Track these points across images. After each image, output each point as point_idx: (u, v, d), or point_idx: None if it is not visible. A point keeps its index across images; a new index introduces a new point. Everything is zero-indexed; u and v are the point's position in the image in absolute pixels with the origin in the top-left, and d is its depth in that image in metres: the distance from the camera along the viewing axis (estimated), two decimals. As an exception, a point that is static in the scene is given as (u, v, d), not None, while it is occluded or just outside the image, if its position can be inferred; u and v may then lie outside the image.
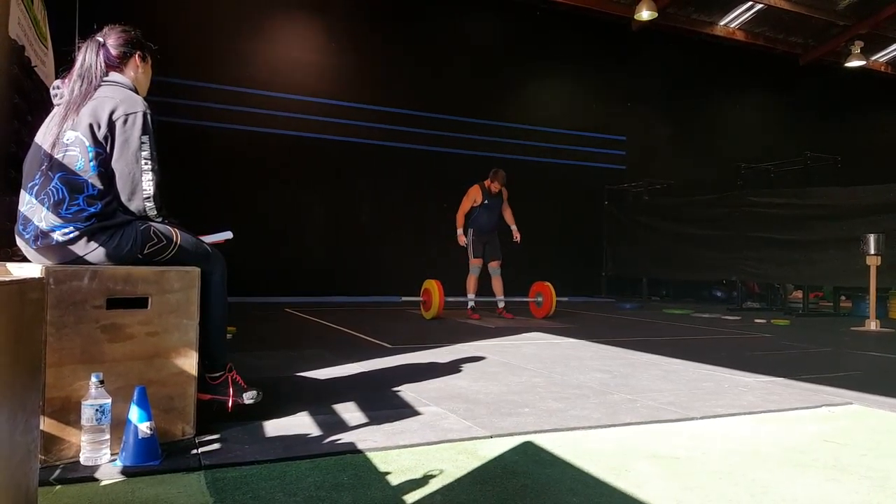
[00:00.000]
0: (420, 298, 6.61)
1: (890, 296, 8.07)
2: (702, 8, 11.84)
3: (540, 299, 6.78)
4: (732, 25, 12.38)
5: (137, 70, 2.15)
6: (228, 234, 2.39)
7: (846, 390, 3.01)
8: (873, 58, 13.94)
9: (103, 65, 2.04)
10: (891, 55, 14.11)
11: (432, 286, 6.31)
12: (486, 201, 6.64)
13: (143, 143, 1.97)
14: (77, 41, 2.05)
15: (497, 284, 6.73)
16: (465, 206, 6.70)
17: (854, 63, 12.70)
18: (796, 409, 2.61)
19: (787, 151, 10.98)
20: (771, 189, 9.41)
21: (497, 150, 10.52)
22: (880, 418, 2.51)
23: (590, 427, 2.24)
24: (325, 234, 9.44)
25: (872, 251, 6.38)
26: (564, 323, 6.25)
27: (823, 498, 1.61)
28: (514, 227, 6.79)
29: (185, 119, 8.45)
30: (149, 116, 2.00)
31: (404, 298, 6.93)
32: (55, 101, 2.04)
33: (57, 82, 2.05)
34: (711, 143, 12.65)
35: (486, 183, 6.66)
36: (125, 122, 1.96)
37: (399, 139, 9.88)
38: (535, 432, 2.15)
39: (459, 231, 6.66)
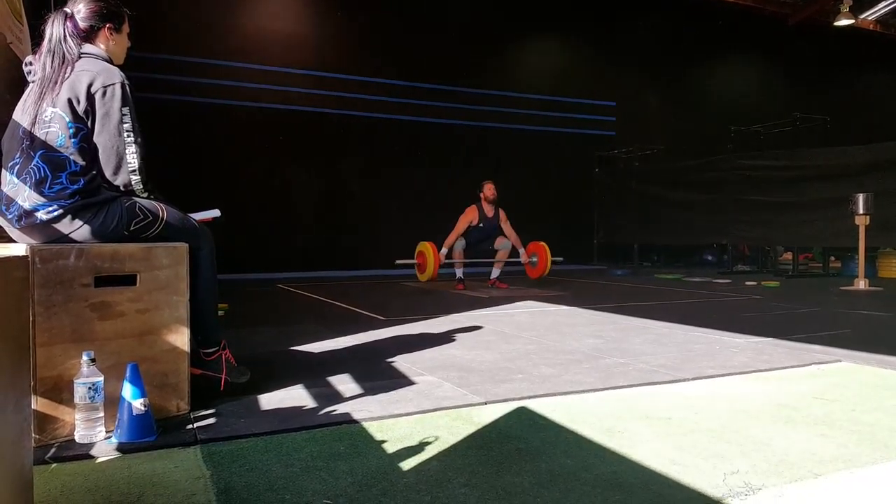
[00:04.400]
0: (414, 261, 6.57)
1: (879, 255, 8.15)
2: (690, -32, 11.67)
3: (535, 259, 6.77)
4: (721, -14, 12.21)
5: (109, 42, 2.07)
6: (216, 213, 2.36)
7: (835, 348, 3.04)
8: (862, 16, 13.81)
9: (75, 37, 1.98)
10: (879, 13, 13.99)
11: (426, 249, 6.28)
12: (480, 224, 6.53)
13: (123, 114, 1.93)
14: (49, 13, 1.99)
15: (501, 256, 6.68)
16: (461, 226, 6.49)
17: (843, 22, 12.57)
18: (786, 367, 2.65)
19: (777, 113, 10.94)
20: (760, 151, 9.40)
21: (485, 118, 10.43)
22: (868, 374, 2.55)
23: (583, 391, 2.26)
24: (317, 208, 9.39)
25: (861, 211, 6.40)
26: (557, 291, 6.28)
27: (814, 452, 1.63)
28: (521, 250, 6.68)
29: (169, 95, 8.29)
30: (127, 87, 1.94)
31: (399, 261, 6.85)
32: (29, 78, 1.99)
33: (29, 58, 1.99)
34: (701, 106, 12.59)
35: (482, 200, 6.52)
36: (104, 94, 1.91)
37: (387, 110, 9.76)
38: (530, 398, 2.17)
39: (444, 251, 6.43)
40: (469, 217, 6.52)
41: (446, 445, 1.70)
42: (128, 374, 1.72)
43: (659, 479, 1.47)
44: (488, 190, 6.52)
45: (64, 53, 1.93)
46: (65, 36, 1.95)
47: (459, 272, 6.65)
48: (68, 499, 1.38)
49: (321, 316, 4.51)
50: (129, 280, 1.90)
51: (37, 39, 2.01)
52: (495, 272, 6.76)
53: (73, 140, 1.89)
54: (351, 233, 9.45)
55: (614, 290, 6.59)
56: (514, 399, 2.15)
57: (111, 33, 2.07)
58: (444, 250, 6.43)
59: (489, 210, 6.56)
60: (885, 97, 15.04)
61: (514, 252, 6.76)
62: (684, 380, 2.43)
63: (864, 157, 7.37)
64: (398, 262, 6.80)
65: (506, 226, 6.65)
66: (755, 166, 8.56)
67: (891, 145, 7.13)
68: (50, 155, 1.87)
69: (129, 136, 1.94)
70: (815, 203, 7.71)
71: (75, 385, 1.70)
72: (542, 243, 6.71)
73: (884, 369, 2.62)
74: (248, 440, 1.74)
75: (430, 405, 2.06)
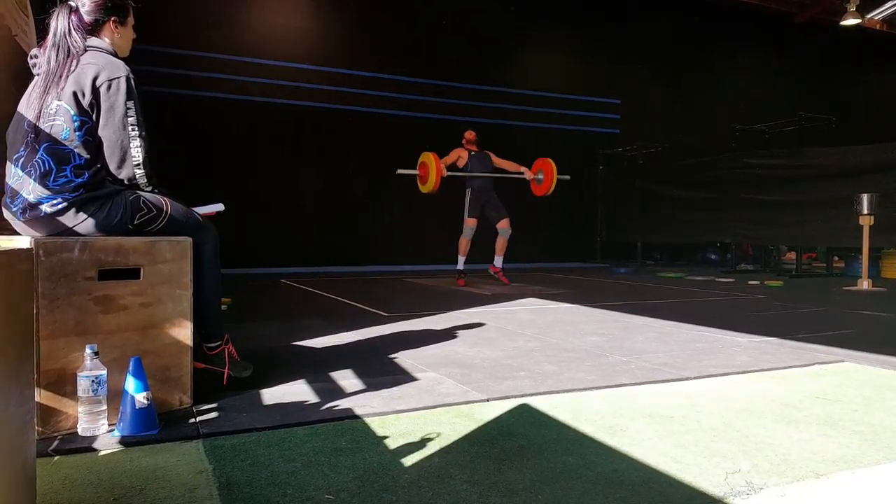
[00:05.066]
0: (416, 172, 6.49)
1: (882, 255, 8.12)
2: (696, -35, 11.61)
3: (541, 176, 6.74)
4: (727, -17, 12.16)
5: (114, 35, 2.06)
6: (220, 207, 2.36)
7: (838, 348, 3.04)
8: (869, 15, 13.73)
9: (80, 30, 1.98)
10: (886, 12, 13.90)
11: (429, 159, 6.20)
12: (471, 154, 6.59)
13: (128, 108, 1.93)
14: (54, 6, 1.98)
15: (501, 244, 6.66)
16: (449, 158, 6.54)
17: (849, 21, 12.50)
18: (789, 367, 2.64)
19: (782, 112, 10.90)
20: (765, 150, 9.37)
21: (489, 115, 10.40)
22: (871, 374, 2.55)
23: (585, 389, 2.26)
24: (320, 204, 9.38)
25: (866, 211, 6.38)
26: (559, 289, 6.28)
27: (816, 452, 1.63)
28: (523, 168, 6.72)
29: (173, 89, 8.29)
30: (132, 81, 1.94)
31: (400, 171, 6.70)
32: (34, 71, 1.99)
33: (34, 51, 1.99)
34: (706, 104, 12.53)
35: (465, 144, 6.64)
36: (109, 87, 1.91)
37: (391, 106, 9.74)
38: (531, 395, 2.17)
39: (442, 166, 6.42)
40: (457, 154, 6.56)
41: (448, 442, 1.70)
42: (131, 368, 1.73)
43: (660, 477, 1.47)
44: (468, 133, 6.64)
45: (69, 47, 1.93)
46: (69, 30, 1.94)
47: (461, 264, 6.64)
48: (71, 491, 1.39)
49: (324, 311, 4.51)
50: (133, 274, 1.90)
51: (42, 33, 2.01)
52: (497, 260, 6.73)
53: (77, 133, 1.89)
54: (355, 229, 9.44)
55: (617, 288, 6.58)
56: (515, 396, 2.15)
57: (116, 26, 2.07)
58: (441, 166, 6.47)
59: (468, 145, 6.63)
60: (891, 97, 14.96)
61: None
62: (686, 378, 2.43)
63: (870, 157, 7.34)
64: (399, 171, 6.66)
65: (499, 160, 6.69)
66: (759, 165, 8.53)
67: (896, 145, 7.10)
68: (55, 148, 1.87)
69: (133, 130, 1.94)
70: (820, 203, 7.68)
71: (78, 378, 1.70)
72: (549, 159, 6.67)
73: (886, 369, 2.61)
74: (250, 434, 1.75)
75: (431, 401, 2.07)
